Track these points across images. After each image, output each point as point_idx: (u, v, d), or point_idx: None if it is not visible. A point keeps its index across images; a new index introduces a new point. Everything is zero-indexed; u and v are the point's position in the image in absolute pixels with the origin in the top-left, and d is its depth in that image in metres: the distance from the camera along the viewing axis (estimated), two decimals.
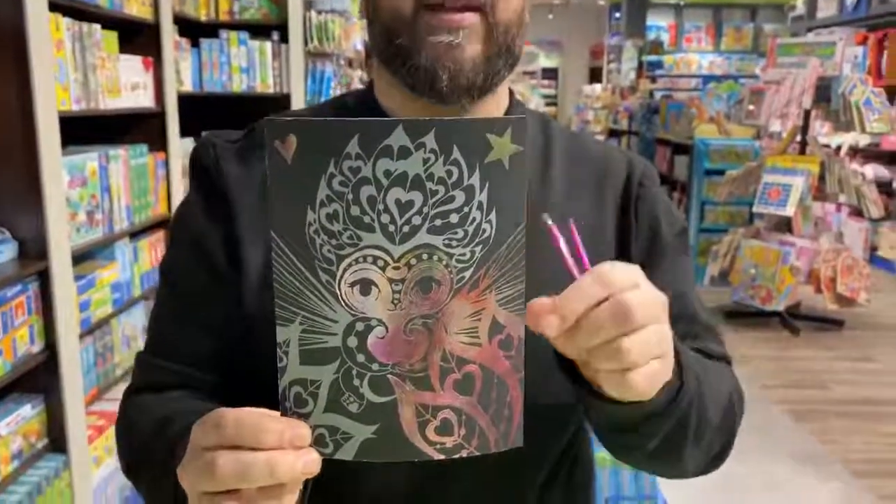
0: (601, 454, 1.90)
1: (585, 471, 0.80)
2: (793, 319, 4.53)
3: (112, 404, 2.32)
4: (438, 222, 0.48)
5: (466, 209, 0.48)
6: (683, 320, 0.75)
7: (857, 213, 5.27)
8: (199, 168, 0.74)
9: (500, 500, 0.71)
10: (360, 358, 0.49)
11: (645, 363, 0.49)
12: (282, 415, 0.50)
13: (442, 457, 0.51)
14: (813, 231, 4.42)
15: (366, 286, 0.48)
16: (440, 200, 0.47)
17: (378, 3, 0.66)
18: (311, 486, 0.56)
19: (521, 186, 0.48)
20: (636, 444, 0.63)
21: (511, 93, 0.76)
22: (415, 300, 0.49)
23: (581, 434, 0.79)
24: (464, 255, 0.48)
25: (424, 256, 0.48)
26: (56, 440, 1.98)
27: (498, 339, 0.50)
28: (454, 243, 0.48)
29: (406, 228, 0.47)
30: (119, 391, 2.34)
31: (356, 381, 0.49)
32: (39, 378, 1.92)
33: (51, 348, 1.93)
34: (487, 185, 0.47)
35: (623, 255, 0.74)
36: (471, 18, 0.63)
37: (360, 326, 0.49)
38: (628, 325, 0.47)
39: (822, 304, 4.39)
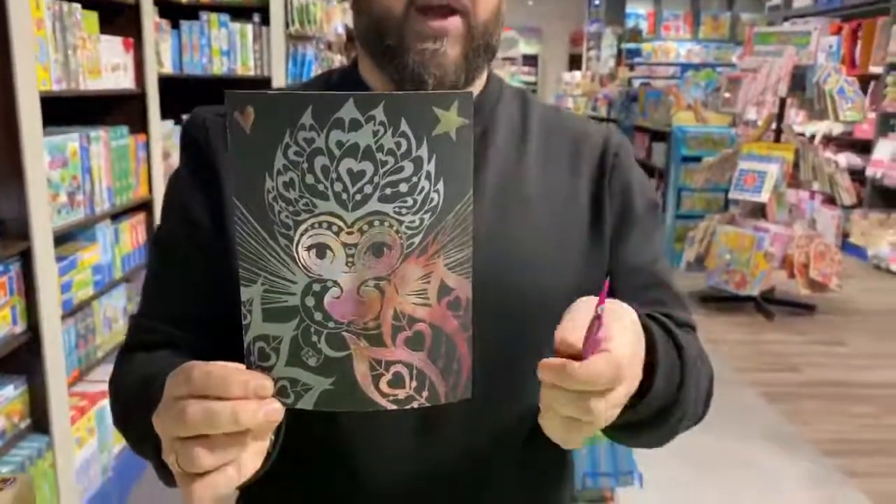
0: None
1: None
2: (767, 304, 4.61)
3: (94, 385, 2.32)
4: (389, 191, 0.50)
5: (415, 179, 0.50)
6: (653, 288, 0.79)
7: (830, 200, 5.36)
8: (188, 141, 0.77)
9: (484, 455, 0.75)
10: (318, 316, 0.52)
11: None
12: (247, 368, 0.53)
13: (394, 407, 0.54)
14: (787, 217, 4.50)
15: (321, 250, 0.51)
16: (390, 170, 0.50)
17: (370, 1, 0.69)
18: (282, 436, 0.59)
19: (467, 158, 0.50)
20: (644, 437, 0.68)
21: (489, 73, 0.79)
22: (368, 263, 0.51)
23: None
24: (413, 222, 0.51)
25: (376, 223, 0.51)
26: (39, 421, 1.99)
27: (446, 300, 0.53)
28: (404, 211, 0.51)
29: (358, 196, 0.50)
30: (100, 373, 2.34)
31: (314, 338, 0.52)
32: (22, 359, 1.93)
33: (33, 329, 1.93)
34: (435, 156, 0.50)
35: (597, 221, 0.77)
36: (454, 23, 0.67)
37: (316, 287, 0.52)
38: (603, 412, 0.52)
39: (796, 289, 4.48)
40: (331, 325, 0.52)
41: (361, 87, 0.76)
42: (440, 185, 0.51)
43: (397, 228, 0.51)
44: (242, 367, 0.53)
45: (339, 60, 3.94)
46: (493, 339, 0.68)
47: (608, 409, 0.52)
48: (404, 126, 0.49)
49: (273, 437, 0.57)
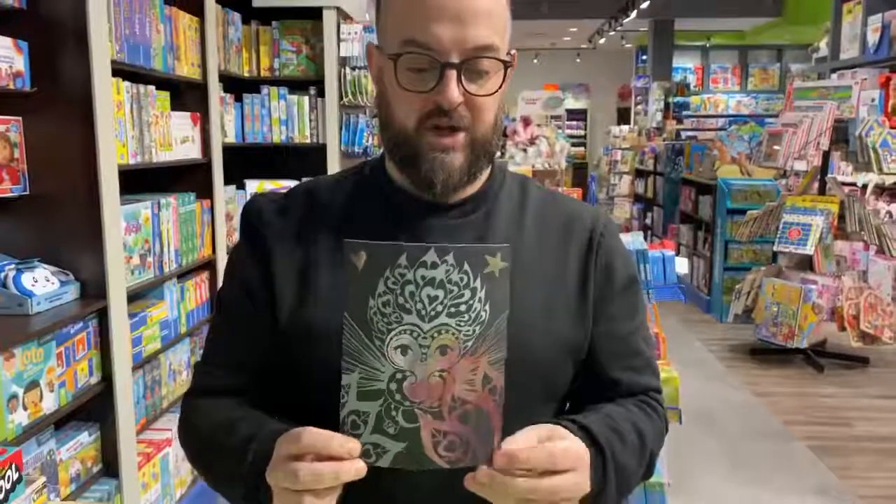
0: None
1: None
2: (818, 357, 4.57)
3: (159, 434, 2.48)
4: (453, 310, 0.70)
5: (471, 302, 0.70)
6: (626, 356, 0.93)
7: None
8: (247, 222, 0.95)
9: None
10: (398, 397, 0.71)
11: None
12: (340, 433, 0.71)
13: (448, 467, 0.72)
14: (835, 269, 4.49)
15: (404, 349, 0.70)
16: (455, 296, 0.70)
17: (391, 117, 0.86)
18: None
19: (506, 288, 0.71)
20: None
21: (492, 167, 0.94)
22: (435, 359, 0.70)
23: None
24: (468, 331, 0.70)
25: (443, 331, 0.70)
26: (109, 465, 2.14)
27: (488, 387, 0.71)
28: (462, 323, 0.70)
29: (433, 313, 0.70)
30: (166, 422, 2.51)
31: (393, 412, 0.71)
32: (96, 407, 2.09)
33: (107, 380, 2.10)
34: (485, 287, 0.70)
35: (583, 291, 0.91)
36: (458, 138, 0.84)
37: (399, 376, 0.71)
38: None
39: (848, 341, 4.43)
40: (406, 403, 0.71)
41: (386, 182, 0.92)
42: (487, 306, 0.71)
43: (457, 336, 0.70)
44: (337, 434, 0.71)
45: None
46: None
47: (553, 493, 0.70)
48: (466, 266, 0.70)
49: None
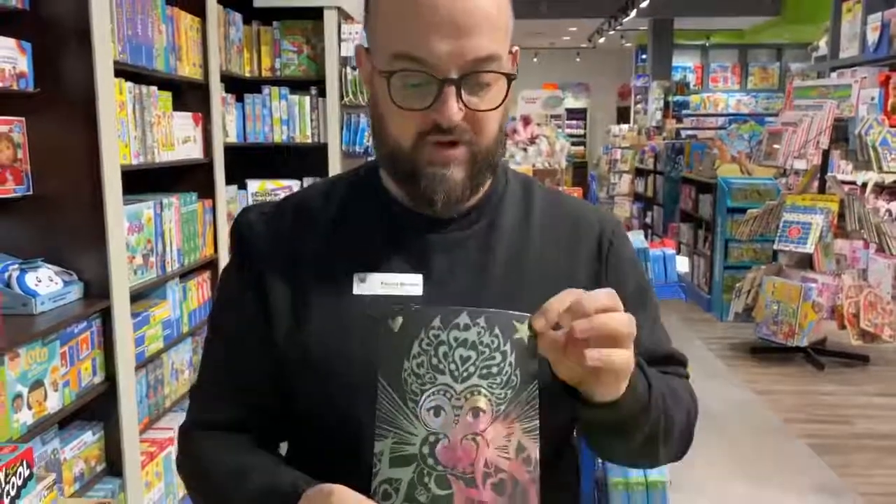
0: (614, 479, 2.02)
1: (569, 473, 0.96)
2: (818, 355, 4.58)
3: (162, 433, 2.49)
4: (485, 371, 0.70)
5: (502, 364, 0.70)
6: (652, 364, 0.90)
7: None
8: (236, 238, 0.92)
9: None
10: (430, 461, 0.69)
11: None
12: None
13: None
14: (835, 268, 4.50)
15: (437, 410, 0.69)
16: (486, 357, 0.70)
17: (385, 130, 0.81)
18: None
19: (534, 355, 0.70)
20: (621, 444, 0.81)
21: (495, 171, 0.89)
22: (468, 422, 0.69)
23: (567, 447, 0.95)
24: (500, 394, 0.70)
25: (475, 392, 0.70)
26: (113, 464, 2.15)
27: (522, 456, 0.69)
28: (494, 386, 0.70)
29: (465, 374, 0.70)
30: (168, 421, 2.52)
31: (426, 479, 0.69)
32: (100, 407, 2.10)
33: (110, 380, 2.10)
34: (515, 351, 0.70)
35: None
36: (460, 152, 0.80)
37: (432, 438, 0.69)
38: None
39: (848, 339, 4.44)
40: (439, 468, 0.69)
41: (380, 191, 0.89)
42: (518, 371, 0.70)
43: (489, 398, 0.70)
44: (369, 501, 0.68)
45: None
46: None
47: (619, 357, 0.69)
48: (496, 330, 0.70)
49: None
